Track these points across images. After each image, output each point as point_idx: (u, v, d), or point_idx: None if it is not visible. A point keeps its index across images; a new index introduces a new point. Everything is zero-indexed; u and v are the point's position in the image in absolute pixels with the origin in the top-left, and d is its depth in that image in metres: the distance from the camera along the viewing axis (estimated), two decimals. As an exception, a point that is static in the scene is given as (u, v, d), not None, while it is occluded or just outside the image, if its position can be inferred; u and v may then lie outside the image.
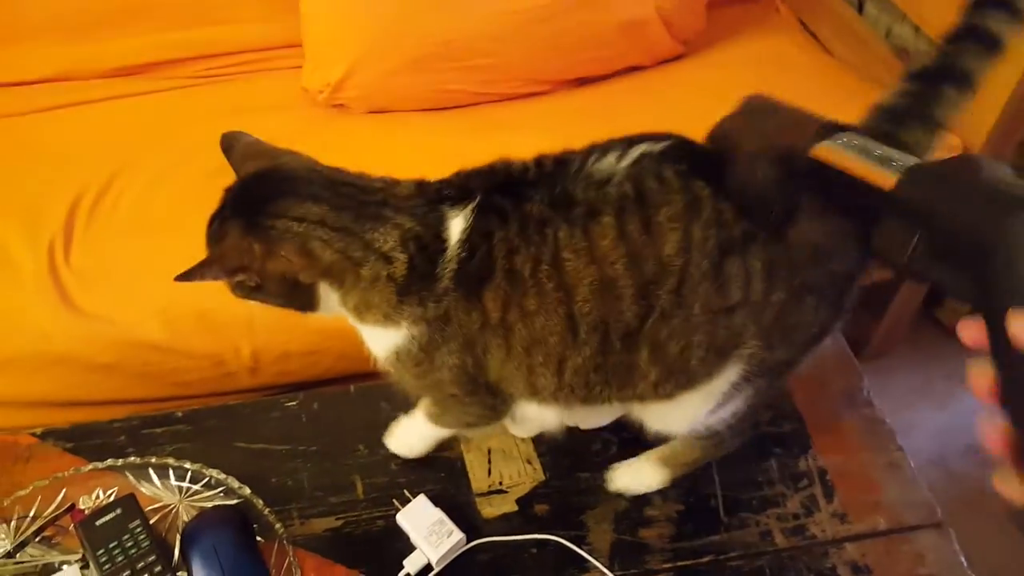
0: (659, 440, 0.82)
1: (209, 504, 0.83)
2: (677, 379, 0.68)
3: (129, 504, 0.78)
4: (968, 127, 1.29)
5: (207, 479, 0.85)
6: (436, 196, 0.65)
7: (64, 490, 0.84)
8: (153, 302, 1.09)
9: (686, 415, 0.74)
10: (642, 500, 0.85)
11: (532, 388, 0.69)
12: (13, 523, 0.81)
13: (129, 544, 0.75)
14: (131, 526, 0.76)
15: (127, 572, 0.73)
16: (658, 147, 0.63)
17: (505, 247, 0.62)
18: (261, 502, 0.83)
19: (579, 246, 0.61)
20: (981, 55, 0.63)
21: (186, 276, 0.64)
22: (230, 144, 0.71)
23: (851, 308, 0.69)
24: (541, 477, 0.87)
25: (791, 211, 0.61)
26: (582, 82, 1.44)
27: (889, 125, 0.64)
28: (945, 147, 1.29)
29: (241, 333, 1.09)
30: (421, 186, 0.67)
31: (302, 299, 0.67)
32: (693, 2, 1.45)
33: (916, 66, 0.66)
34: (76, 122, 1.36)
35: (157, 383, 1.10)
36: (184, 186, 1.19)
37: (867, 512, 0.84)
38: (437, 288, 0.64)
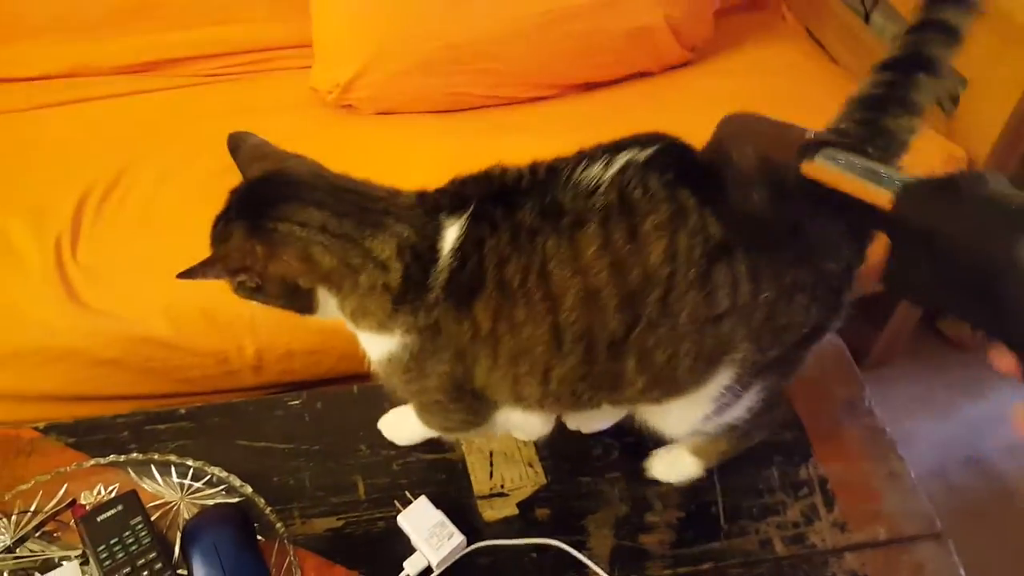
0: (663, 442, 0.82)
1: (210, 502, 0.83)
2: (664, 387, 0.68)
3: (131, 500, 0.78)
4: (973, 138, 1.29)
5: (209, 477, 0.85)
6: (434, 205, 0.66)
7: (66, 485, 0.84)
8: (158, 299, 1.09)
9: (683, 419, 0.75)
10: (643, 506, 0.85)
11: (517, 396, 0.69)
12: (14, 518, 0.81)
13: (130, 541, 0.75)
14: (132, 523, 0.76)
15: (127, 569, 0.73)
16: (644, 155, 0.62)
17: (496, 257, 0.62)
18: (262, 501, 0.83)
19: (565, 256, 0.61)
20: (944, 43, 0.64)
21: (189, 274, 0.65)
22: (237, 144, 0.72)
23: (850, 303, 0.69)
24: (542, 481, 0.87)
25: (793, 230, 0.60)
26: (589, 87, 1.44)
27: (870, 113, 0.65)
28: (949, 158, 1.30)
29: (245, 331, 1.09)
30: (422, 196, 0.67)
31: (301, 302, 0.68)
32: (701, 10, 1.46)
33: (886, 57, 0.67)
34: (84, 119, 1.36)
35: (161, 379, 1.10)
36: (191, 184, 1.19)
37: (867, 522, 0.84)
38: (429, 298, 0.64)
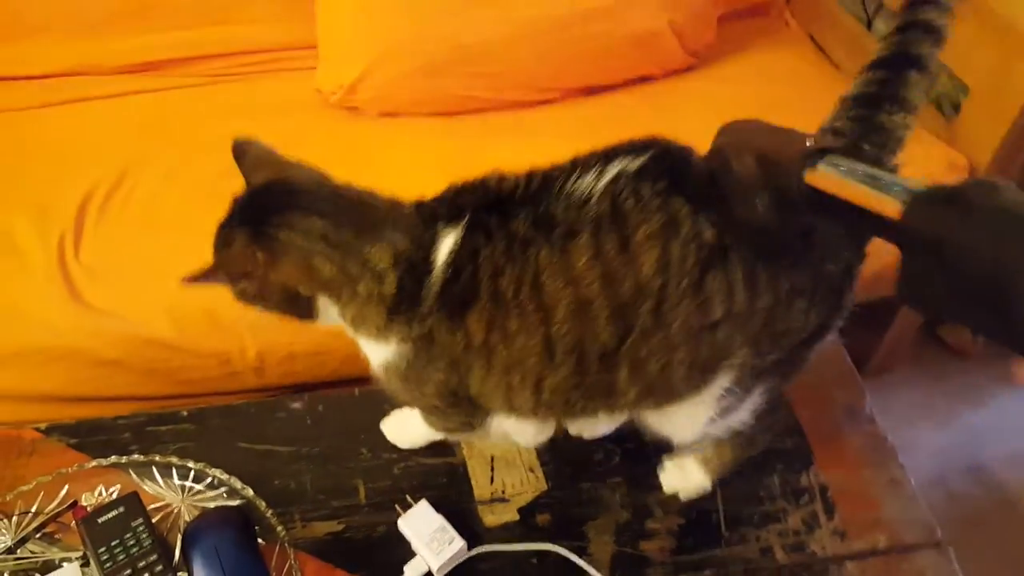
0: (666, 448, 0.82)
1: (211, 504, 0.83)
2: (659, 395, 0.68)
3: (132, 502, 0.78)
4: (974, 145, 1.30)
5: (210, 479, 0.85)
6: (431, 215, 0.66)
7: (67, 486, 0.84)
8: (161, 299, 1.09)
9: (687, 422, 0.75)
10: (644, 512, 0.85)
11: (511, 405, 0.70)
12: (15, 518, 0.81)
13: (131, 542, 0.75)
14: (133, 524, 0.76)
15: (128, 571, 0.73)
16: (636, 163, 0.62)
17: (490, 268, 0.62)
18: (263, 503, 0.83)
19: (557, 267, 0.61)
20: (930, 42, 0.65)
21: (193, 280, 0.66)
22: (242, 151, 0.72)
23: (852, 301, 0.68)
24: (543, 486, 0.87)
25: (802, 235, 0.60)
26: (593, 91, 1.44)
27: (865, 110, 0.65)
28: (951, 165, 1.30)
29: (247, 333, 1.09)
30: (420, 205, 0.68)
31: (302, 309, 0.69)
32: (705, 15, 1.46)
33: (873, 58, 0.67)
34: (90, 117, 1.37)
35: (163, 380, 1.10)
36: (195, 184, 1.19)
37: (867, 530, 0.84)
38: (422, 309, 0.65)
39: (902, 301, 0.50)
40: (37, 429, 0.90)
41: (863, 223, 0.51)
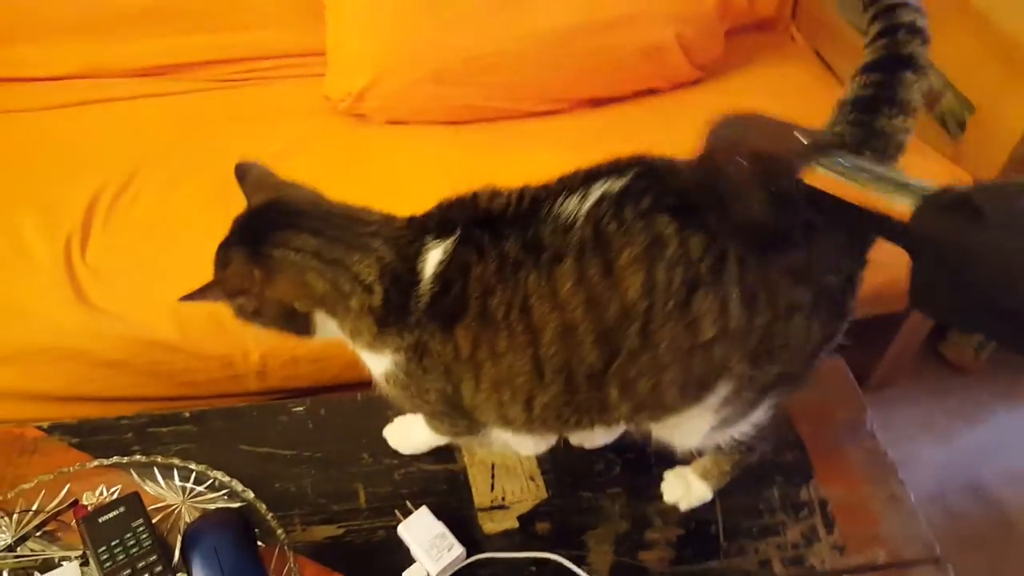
0: (667, 459, 0.82)
1: (212, 506, 0.84)
2: (652, 411, 0.68)
3: (133, 502, 0.78)
4: (979, 164, 1.30)
5: (211, 481, 0.86)
6: (421, 228, 0.67)
7: (68, 485, 0.84)
8: (166, 301, 1.08)
9: (689, 431, 0.75)
10: (643, 522, 0.85)
11: (503, 419, 0.70)
12: (15, 516, 0.82)
13: (131, 543, 0.76)
14: (134, 525, 0.77)
15: (127, 571, 0.74)
16: (619, 184, 0.62)
17: (480, 286, 0.63)
18: (264, 506, 0.84)
19: (544, 291, 0.61)
20: (918, 41, 0.65)
21: (190, 297, 0.68)
22: (243, 173, 0.74)
23: (854, 311, 0.68)
24: (543, 495, 0.87)
25: (805, 228, 0.59)
26: (599, 102, 1.45)
27: (863, 115, 0.65)
28: (955, 183, 1.30)
29: (251, 336, 1.09)
30: (411, 220, 0.69)
31: (299, 325, 0.70)
32: (712, 30, 1.47)
33: (865, 62, 0.67)
34: (98, 119, 1.37)
35: (165, 382, 1.10)
36: (202, 188, 1.20)
37: (866, 545, 0.84)
38: (410, 320, 0.65)
39: (915, 307, 0.49)
40: (39, 428, 0.90)
41: (867, 224, 0.49)
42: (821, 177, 0.51)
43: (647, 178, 0.62)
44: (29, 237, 1.15)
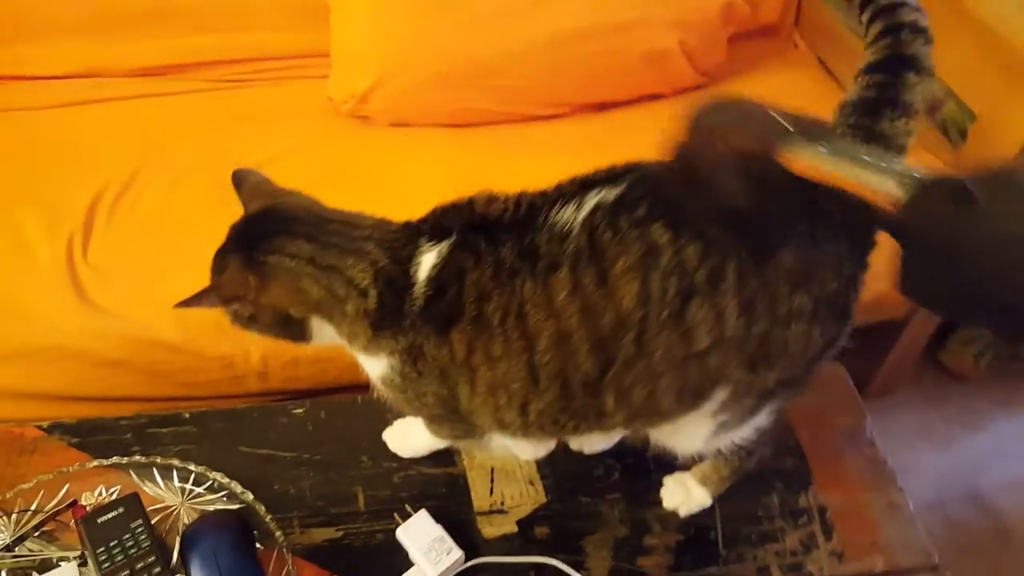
0: (667, 465, 0.82)
1: (211, 507, 0.83)
2: (648, 418, 0.69)
3: (132, 503, 0.78)
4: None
5: (210, 482, 0.86)
6: (415, 232, 0.67)
7: (67, 485, 0.84)
8: (167, 301, 1.08)
9: (685, 438, 0.75)
10: (642, 528, 0.85)
11: (500, 423, 0.70)
12: (14, 516, 0.82)
13: (129, 543, 0.75)
14: (132, 525, 0.77)
15: (126, 572, 0.74)
16: (614, 193, 0.61)
17: (476, 291, 0.63)
18: (263, 508, 0.84)
19: (540, 299, 0.61)
20: (920, 41, 0.64)
21: (186, 303, 0.69)
22: (240, 180, 0.74)
23: (856, 310, 0.67)
24: (542, 499, 0.87)
25: (796, 213, 0.58)
26: (602, 107, 1.45)
27: (865, 118, 0.65)
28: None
29: (252, 337, 1.09)
30: (406, 225, 0.69)
31: (294, 331, 0.71)
32: (715, 36, 1.47)
33: (867, 62, 0.66)
34: (101, 119, 1.37)
35: (166, 382, 1.10)
36: (204, 188, 1.20)
37: (865, 552, 0.84)
38: (404, 323, 0.66)
39: (903, 295, 0.47)
40: (39, 427, 0.90)
41: (856, 217, 0.48)
42: (803, 162, 0.49)
43: (642, 187, 0.62)
44: (31, 236, 1.15)
